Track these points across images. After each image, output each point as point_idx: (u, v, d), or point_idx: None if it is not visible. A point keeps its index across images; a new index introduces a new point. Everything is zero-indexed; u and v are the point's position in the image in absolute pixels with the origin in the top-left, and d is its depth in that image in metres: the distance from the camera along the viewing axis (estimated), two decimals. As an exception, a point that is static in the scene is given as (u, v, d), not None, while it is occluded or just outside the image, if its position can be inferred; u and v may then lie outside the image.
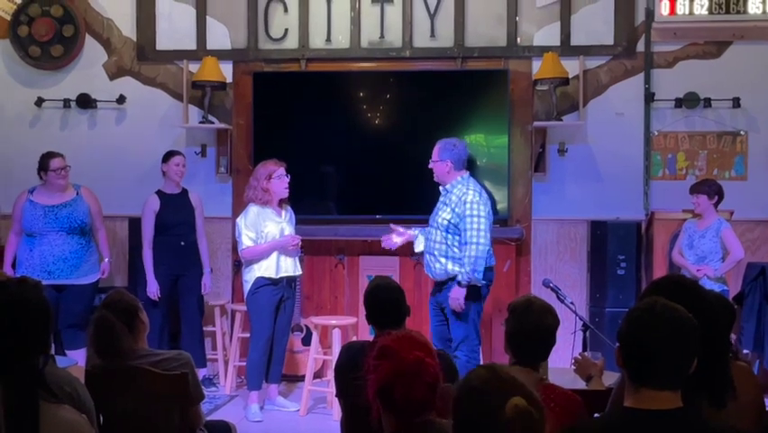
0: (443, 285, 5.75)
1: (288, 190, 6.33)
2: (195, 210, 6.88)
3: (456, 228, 5.64)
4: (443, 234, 5.69)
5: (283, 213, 6.39)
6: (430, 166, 5.83)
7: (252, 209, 6.28)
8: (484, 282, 5.67)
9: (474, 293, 5.63)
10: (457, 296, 5.56)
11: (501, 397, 1.98)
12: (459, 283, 5.57)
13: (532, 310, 3.34)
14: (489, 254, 5.73)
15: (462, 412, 2.05)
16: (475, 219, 5.59)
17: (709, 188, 6.51)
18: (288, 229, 6.35)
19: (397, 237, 6.03)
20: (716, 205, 6.50)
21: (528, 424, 1.95)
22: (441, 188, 5.85)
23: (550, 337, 3.33)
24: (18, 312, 2.56)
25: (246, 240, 6.25)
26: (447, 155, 5.74)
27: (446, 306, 5.69)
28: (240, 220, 6.32)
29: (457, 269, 5.61)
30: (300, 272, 6.52)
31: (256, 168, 6.42)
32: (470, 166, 6.14)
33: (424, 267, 5.96)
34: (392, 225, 6.11)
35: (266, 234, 6.25)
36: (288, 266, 6.33)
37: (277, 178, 6.28)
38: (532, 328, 3.29)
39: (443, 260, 5.70)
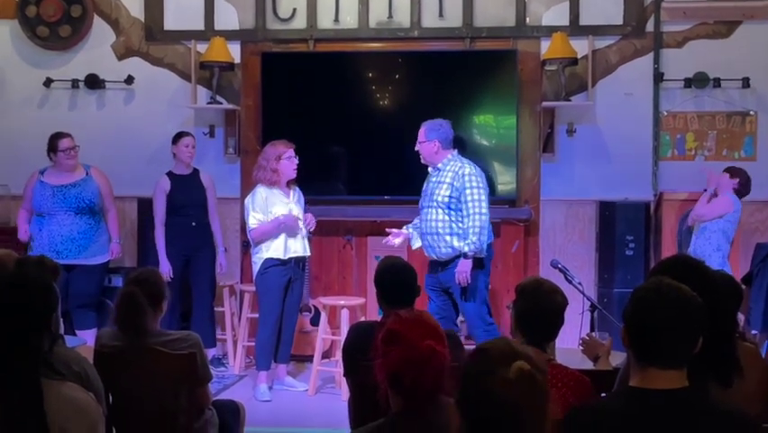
0: (447, 264, 5.76)
1: (296, 172, 6.34)
2: (206, 191, 6.89)
3: (458, 202, 5.69)
4: (445, 211, 5.73)
5: (291, 193, 6.39)
6: (416, 148, 5.89)
7: (260, 190, 6.29)
8: (487, 254, 5.72)
9: (479, 264, 5.67)
10: (464, 269, 5.60)
11: (506, 359, 1.98)
12: (465, 255, 5.60)
13: (542, 290, 3.37)
14: (489, 231, 5.75)
15: (467, 369, 2.06)
16: (475, 191, 5.67)
17: (736, 171, 6.46)
18: (296, 210, 6.36)
19: (395, 238, 6.08)
20: (737, 191, 6.42)
21: (531, 388, 1.96)
22: (430, 168, 5.90)
23: (559, 317, 3.37)
24: (21, 291, 2.58)
25: (253, 221, 6.26)
26: (434, 135, 5.81)
27: (452, 285, 5.71)
28: (248, 201, 6.33)
29: (462, 244, 5.64)
30: (309, 253, 6.53)
31: (265, 148, 6.42)
32: (459, 145, 6.16)
33: (424, 250, 5.96)
34: (387, 230, 6.16)
35: (275, 213, 6.25)
36: (297, 247, 6.34)
37: (286, 159, 6.28)
38: (542, 308, 3.31)
39: (447, 237, 5.73)
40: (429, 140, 5.81)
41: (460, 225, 5.70)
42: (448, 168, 5.78)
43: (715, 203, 6.41)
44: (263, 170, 6.29)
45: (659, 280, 2.36)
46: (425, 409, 2.45)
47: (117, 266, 7.10)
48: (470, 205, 5.66)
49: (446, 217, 5.73)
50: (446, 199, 5.73)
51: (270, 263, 6.25)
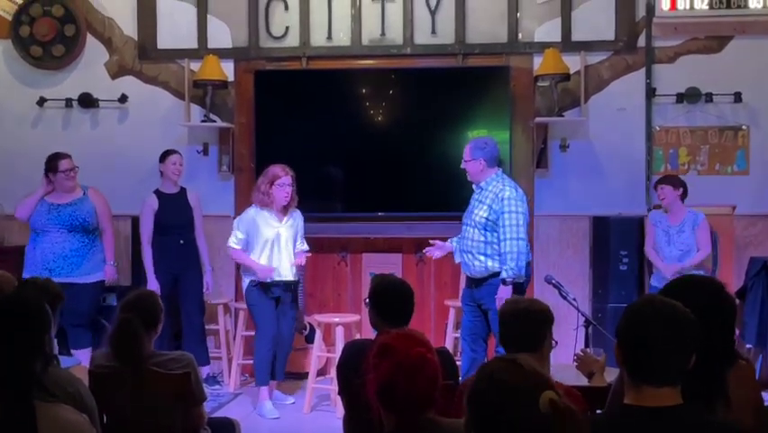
0: (481, 282, 5.75)
1: (288, 199, 6.34)
2: (193, 210, 6.89)
3: (495, 225, 5.65)
4: (481, 231, 5.69)
5: (285, 218, 6.40)
6: (462, 166, 5.84)
7: (250, 211, 6.35)
8: (525, 277, 5.72)
9: (518, 290, 5.63)
10: (503, 295, 5.47)
11: (529, 391, 1.94)
12: (504, 282, 5.56)
13: (519, 309, 3.44)
14: (527, 250, 5.75)
15: (483, 404, 2.00)
16: (513, 215, 5.60)
17: (673, 179, 6.56)
18: (286, 234, 6.37)
19: (437, 251, 6.05)
20: (682, 198, 6.50)
21: (569, 417, 1.92)
22: (474, 186, 5.86)
23: (540, 329, 3.42)
24: (12, 315, 2.57)
25: (234, 240, 6.36)
26: (480, 154, 5.75)
27: (485, 303, 5.69)
28: (236, 219, 6.37)
29: (497, 265, 5.63)
30: (296, 279, 6.55)
31: (267, 168, 6.43)
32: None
33: (461, 266, 5.95)
34: (431, 241, 6.10)
35: (261, 235, 6.32)
36: (286, 272, 6.40)
37: (278, 185, 6.29)
38: (524, 329, 3.37)
39: (481, 258, 5.69)
40: (474, 158, 5.75)
41: (495, 246, 5.66)
42: (490, 188, 5.73)
43: (701, 233, 6.44)
44: (257, 192, 6.34)
45: (652, 296, 2.36)
46: (419, 428, 2.45)
47: (112, 285, 7.07)
48: (506, 229, 5.59)
49: (482, 238, 5.69)
50: (483, 220, 5.68)
51: (259, 281, 6.34)
